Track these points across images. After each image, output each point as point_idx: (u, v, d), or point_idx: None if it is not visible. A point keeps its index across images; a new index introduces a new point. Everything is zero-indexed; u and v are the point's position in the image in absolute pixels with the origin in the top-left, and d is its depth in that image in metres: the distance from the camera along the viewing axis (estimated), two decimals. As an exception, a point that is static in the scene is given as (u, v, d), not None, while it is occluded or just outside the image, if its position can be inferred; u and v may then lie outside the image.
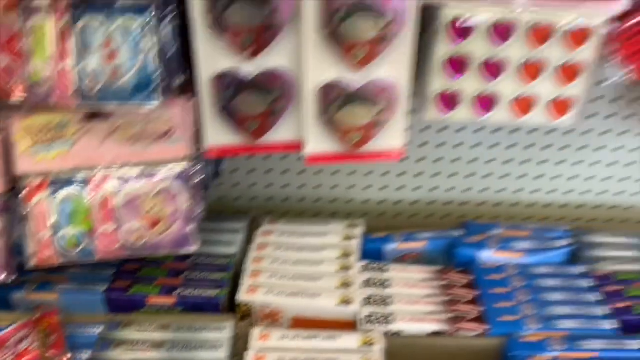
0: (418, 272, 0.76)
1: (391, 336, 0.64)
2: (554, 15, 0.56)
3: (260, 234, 0.80)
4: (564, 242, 0.80)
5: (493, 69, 0.59)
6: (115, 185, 0.60)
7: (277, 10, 0.55)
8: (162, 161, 0.60)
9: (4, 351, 0.59)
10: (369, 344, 0.62)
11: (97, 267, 0.71)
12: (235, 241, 0.80)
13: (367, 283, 0.73)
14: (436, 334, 0.66)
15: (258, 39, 0.56)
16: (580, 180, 0.90)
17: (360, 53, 0.55)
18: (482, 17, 0.57)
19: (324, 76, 0.57)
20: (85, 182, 0.60)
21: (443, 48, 0.59)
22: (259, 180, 0.91)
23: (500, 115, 0.62)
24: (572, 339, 0.64)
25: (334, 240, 0.79)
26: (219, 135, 0.61)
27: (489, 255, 0.78)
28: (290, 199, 0.93)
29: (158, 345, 0.63)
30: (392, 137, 0.61)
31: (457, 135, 0.85)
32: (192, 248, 0.63)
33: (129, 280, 0.72)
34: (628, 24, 0.57)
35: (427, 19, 0.58)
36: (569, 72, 0.59)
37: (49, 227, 0.60)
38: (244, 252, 0.78)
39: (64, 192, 0.59)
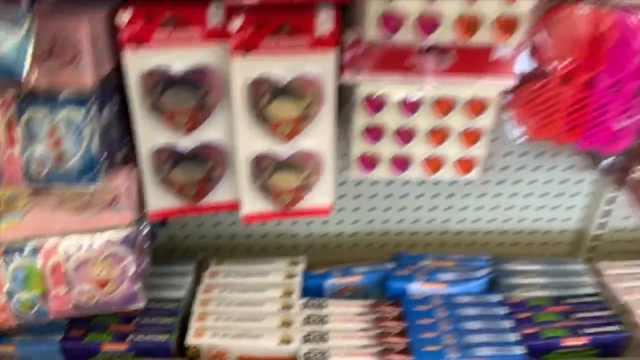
0: (354, 307, 0.83)
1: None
2: (455, 90, 0.64)
3: (207, 276, 0.86)
4: (484, 271, 0.88)
5: (405, 136, 0.67)
6: (65, 251, 0.65)
7: (210, 92, 0.61)
8: (109, 228, 0.65)
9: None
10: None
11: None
12: (184, 284, 0.86)
13: (307, 320, 0.79)
14: (367, 367, 0.73)
15: (192, 118, 0.62)
16: (501, 210, 0.99)
17: (286, 129, 0.62)
18: (393, 93, 0.64)
19: (254, 148, 0.63)
20: (37, 250, 0.65)
21: (361, 119, 0.66)
22: (206, 220, 0.97)
23: (414, 173, 0.70)
24: (486, 366, 0.72)
25: (276, 279, 0.86)
26: (160, 201, 0.66)
27: (418, 287, 0.86)
28: (237, 236, 0.99)
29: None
30: (320, 196, 0.68)
31: (388, 175, 0.93)
32: (140, 304, 0.69)
33: (83, 329, 0.76)
34: (520, 94, 0.66)
35: (346, 94, 0.66)
36: (471, 137, 0.67)
37: (4, 293, 0.65)
38: (193, 294, 0.84)
39: (17, 260, 0.64)
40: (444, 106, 0.65)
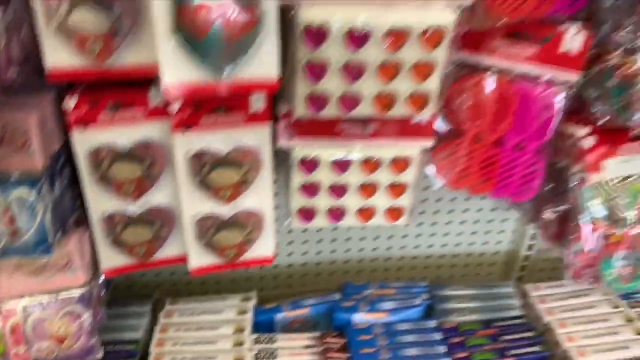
0: (302, 339, 0.89)
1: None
2: (380, 151, 0.71)
3: (163, 316, 0.91)
4: (422, 298, 0.96)
5: (338, 190, 0.73)
6: (23, 312, 0.69)
7: (154, 164, 0.66)
8: (64, 288, 0.70)
9: None
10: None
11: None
12: (141, 325, 0.91)
13: (258, 356, 0.85)
14: (312, 399, 0.80)
15: (139, 187, 0.67)
16: (439, 236, 1.07)
17: (227, 193, 0.68)
18: (324, 155, 0.71)
19: (198, 210, 0.69)
20: (-4, 313, 0.69)
21: (297, 178, 0.72)
22: (162, 258, 1.01)
23: (349, 221, 0.77)
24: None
25: (229, 316, 0.91)
26: (113, 260, 0.71)
27: (361, 317, 0.93)
28: (192, 271, 1.04)
29: None
30: (263, 248, 0.74)
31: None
32: (98, 356, 0.74)
33: (45, 377, 0.81)
34: (439, 151, 0.73)
35: (284, 156, 0.72)
36: (397, 190, 0.74)
37: (-35, 354, 0.69)
38: (150, 334, 0.89)
39: (-24, 323, 0.68)
40: (371, 165, 0.71)
